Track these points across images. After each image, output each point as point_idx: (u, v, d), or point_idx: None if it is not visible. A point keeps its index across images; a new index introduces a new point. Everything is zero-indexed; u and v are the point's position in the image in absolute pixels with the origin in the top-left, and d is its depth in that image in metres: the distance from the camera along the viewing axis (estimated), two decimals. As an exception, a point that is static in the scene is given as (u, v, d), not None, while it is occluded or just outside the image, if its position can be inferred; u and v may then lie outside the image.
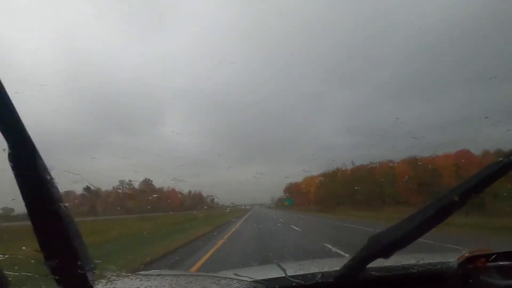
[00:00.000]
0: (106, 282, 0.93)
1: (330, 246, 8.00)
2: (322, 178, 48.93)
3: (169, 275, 1.25)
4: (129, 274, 1.14)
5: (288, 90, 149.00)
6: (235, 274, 1.17)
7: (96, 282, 0.86)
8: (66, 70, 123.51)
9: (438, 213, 0.73)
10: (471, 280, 0.97)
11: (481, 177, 0.71)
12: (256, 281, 1.04)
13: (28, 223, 0.62)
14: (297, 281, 1.03)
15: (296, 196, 63.28)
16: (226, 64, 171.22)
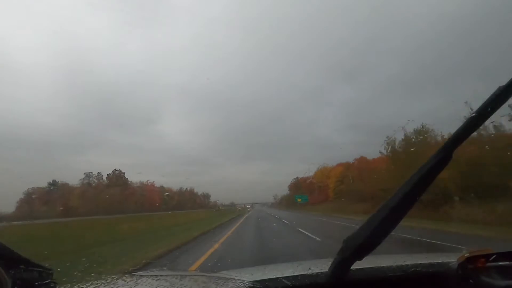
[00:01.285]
0: (106, 283, 0.91)
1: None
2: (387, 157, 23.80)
3: (169, 275, 1.26)
4: (129, 274, 1.13)
5: (289, 88, 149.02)
6: (234, 274, 1.18)
7: (96, 283, 0.85)
8: (61, 69, 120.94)
9: (396, 209, 0.73)
10: (471, 280, 0.96)
11: (422, 173, 0.72)
12: (255, 281, 1.03)
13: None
14: (296, 281, 1.01)
15: (306, 193, 58.74)
16: (226, 62, 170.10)
